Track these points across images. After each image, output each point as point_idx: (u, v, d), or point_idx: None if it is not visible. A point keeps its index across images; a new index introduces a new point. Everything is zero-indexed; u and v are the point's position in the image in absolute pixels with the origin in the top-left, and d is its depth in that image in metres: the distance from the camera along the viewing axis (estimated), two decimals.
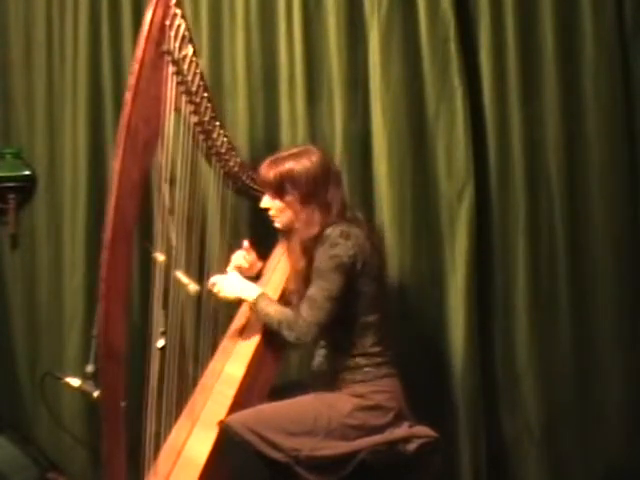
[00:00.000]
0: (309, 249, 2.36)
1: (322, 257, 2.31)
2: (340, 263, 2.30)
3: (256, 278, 2.70)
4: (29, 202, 3.52)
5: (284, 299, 2.49)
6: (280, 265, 2.64)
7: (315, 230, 2.35)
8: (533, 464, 2.86)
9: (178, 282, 2.33)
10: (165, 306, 2.27)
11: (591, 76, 2.82)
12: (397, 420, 2.34)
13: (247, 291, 2.44)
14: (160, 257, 2.41)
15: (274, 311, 2.37)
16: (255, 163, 2.68)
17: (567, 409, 2.84)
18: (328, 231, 2.33)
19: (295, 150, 2.45)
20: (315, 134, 3.06)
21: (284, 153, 2.45)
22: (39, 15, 3.50)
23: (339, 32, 3.02)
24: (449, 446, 2.77)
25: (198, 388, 2.46)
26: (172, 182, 2.31)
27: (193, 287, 2.32)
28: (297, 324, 2.31)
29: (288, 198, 2.39)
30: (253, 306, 2.41)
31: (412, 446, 2.31)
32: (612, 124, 2.81)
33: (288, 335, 2.33)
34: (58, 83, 3.47)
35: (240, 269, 2.62)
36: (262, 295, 2.42)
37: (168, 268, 2.29)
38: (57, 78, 3.47)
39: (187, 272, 2.39)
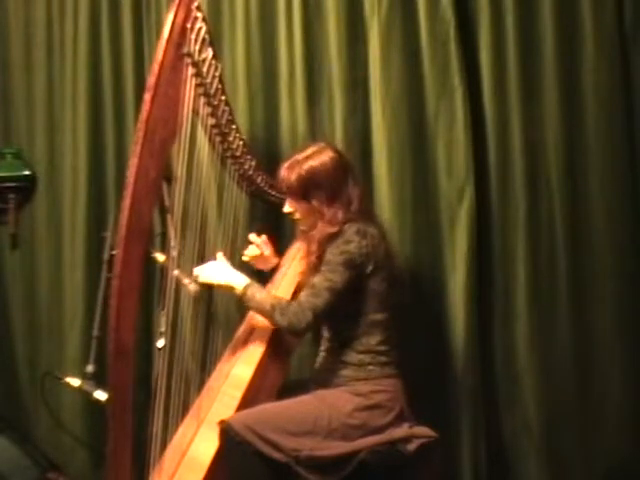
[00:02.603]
0: (324, 244, 2.36)
1: (334, 250, 2.33)
2: (350, 259, 2.31)
3: (271, 273, 2.69)
4: (29, 202, 3.52)
5: (297, 294, 2.48)
6: (296, 262, 2.64)
7: (336, 228, 2.36)
8: (533, 463, 2.85)
9: (178, 282, 2.33)
10: (164, 306, 2.27)
11: (591, 76, 2.82)
12: (398, 420, 2.34)
13: (234, 279, 2.42)
14: (160, 257, 2.42)
15: (265, 297, 2.36)
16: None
17: (567, 408, 2.84)
18: (345, 227, 2.35)
19: (310, 151, 2.44)
20: (315, 134, 3.06)
21: (300, 155, 2.44)
22: (39, 15, 3.51)
23: (339, 32, 3.02)
24: (449, 445, 2.78)
25: (205, 389, 2.46)
26: (171, 181, 2.32)
27: (193, 287, 2.32)
28: (289, 309, 2.30)
29: (314, 202, 2.39)
30: (242, 295, 2.39)
31: (412, 446, 2.31)
32: (612, 124, 2.81)
33: (280, 320, 2.31)
34: (58, 83, 3.48)
35: (254, 259, 2.63)
36: (251, 284, 2.40)
37: (178, 267, 2.30)
38: (57, 78, 3.48)
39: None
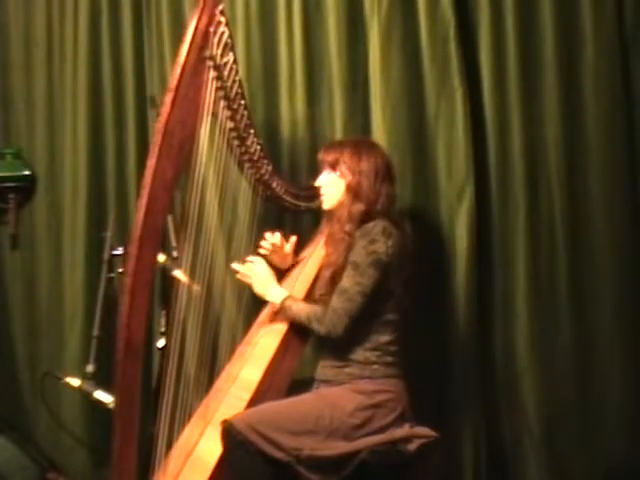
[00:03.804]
0: (357, 219, 2.38)
1: (361, 251, 2.33)
2: (377, 259, 2.32)
3: (287, 270, 2.69)
4: (29, 202, 3.53)
5: (314, 290, 2.50)
6: (314, 257, 2.62)
7: (361, 207, 2.39)
8: (533, 463, 2.85)
9: (180, 283, 2.33)
10: (166, 306, 2.27)
11: (591, 76, 2.82)
12: (399, 421, 2.34)
13: (271, 295, 2.46)
14: (160, 257, 2.41)
15: (302, 307, 2.40)
16: None
17: (567, 409, 2.84)
18: (370, 225, 2.36)
19: (358, 139, 2.60)
20: (315, 134, 3.07)
21: (347, 139, 2.64)
22: (39, 15, 3.52)
23: (339, 32, 3.03)
24: (449, 446, 2.78)
25: (212, 390, 2.46)
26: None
27: (195, 288, 2.32)
28: (326, 317, 2.33)
29: (342, 168, 2.45)
30: (279, 308, 2.44)
31: (412, 446, 2.31)
32: (612, 124, 2.81)
33: (318, 329, 2.35)
34: (58, 83, 3.48)
35: (270, 253, 2.62)
36: (287, 298, 2.43)
37: (192, 270, 2.31)
38: (57, 78, 3.49)
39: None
